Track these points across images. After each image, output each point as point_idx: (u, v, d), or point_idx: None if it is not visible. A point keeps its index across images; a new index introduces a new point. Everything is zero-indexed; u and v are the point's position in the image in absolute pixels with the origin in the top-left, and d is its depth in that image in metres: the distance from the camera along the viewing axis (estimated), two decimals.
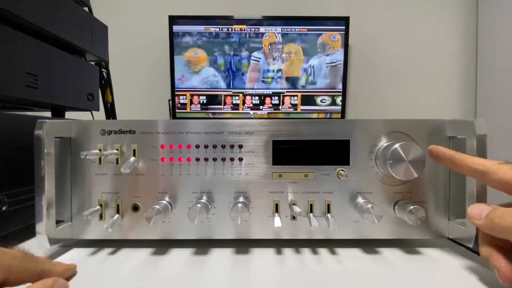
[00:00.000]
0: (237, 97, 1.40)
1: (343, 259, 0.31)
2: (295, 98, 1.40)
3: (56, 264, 0.25)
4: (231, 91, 1.40)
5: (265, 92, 1.40)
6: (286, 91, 1.40)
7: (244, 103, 1.40)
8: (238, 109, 1.41)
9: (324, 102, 1.40)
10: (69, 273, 0.27)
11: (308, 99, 1.40)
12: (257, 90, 1.40)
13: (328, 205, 0.34)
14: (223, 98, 1.40)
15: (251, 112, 1.40)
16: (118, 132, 0.34)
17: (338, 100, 1.39)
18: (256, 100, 1.40)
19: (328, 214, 0.33)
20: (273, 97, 1.40)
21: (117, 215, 0.33)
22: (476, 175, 0.26)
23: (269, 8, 1.48)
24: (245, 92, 1.40)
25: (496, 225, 0.22)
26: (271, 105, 1.40)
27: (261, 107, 1.41)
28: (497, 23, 1.33)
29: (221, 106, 1.40)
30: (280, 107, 1.41)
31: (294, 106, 1.40)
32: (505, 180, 0.24)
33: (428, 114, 1.52)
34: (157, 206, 0.31)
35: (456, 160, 0.28)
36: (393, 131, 0.33)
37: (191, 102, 1.40)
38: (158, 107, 1.53)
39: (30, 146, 0.30)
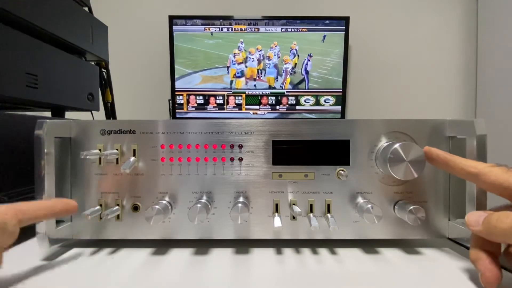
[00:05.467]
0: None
1: (343, 259, 0.31)
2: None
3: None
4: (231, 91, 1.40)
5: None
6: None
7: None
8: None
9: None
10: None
11: None
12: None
13: (328, 205, 0.34)
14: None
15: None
16: (118, 132, 0.34)
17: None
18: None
19: (328, 214, 0.33)
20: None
21: (117, 206, 0.33)
22: (469, 177, 0.27)
23: (269, 8, 1.48)
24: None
25: (494, 229, 0.23)
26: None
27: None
28: (497, 23, 1.33)
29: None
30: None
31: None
32: (498, 182, 0.24)
33: (428, 114, 1.52)
34: (157, 206, 0.31)
35: (449, 162, 0.28)
36: (393, 131, 0.33)
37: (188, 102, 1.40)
38: (158, 107, 1.53)
39: (30, 146, 0.30)
